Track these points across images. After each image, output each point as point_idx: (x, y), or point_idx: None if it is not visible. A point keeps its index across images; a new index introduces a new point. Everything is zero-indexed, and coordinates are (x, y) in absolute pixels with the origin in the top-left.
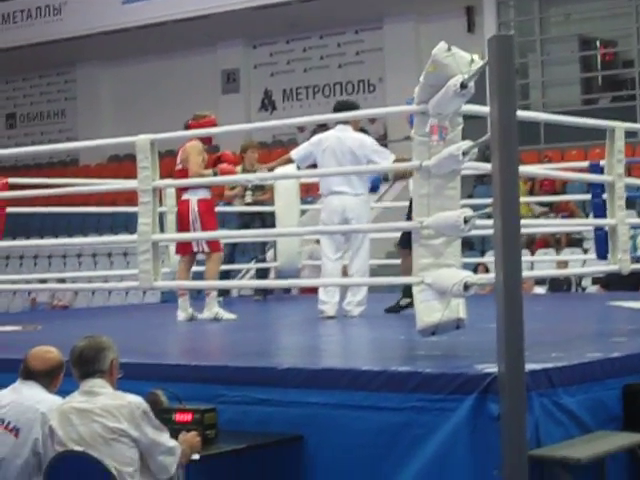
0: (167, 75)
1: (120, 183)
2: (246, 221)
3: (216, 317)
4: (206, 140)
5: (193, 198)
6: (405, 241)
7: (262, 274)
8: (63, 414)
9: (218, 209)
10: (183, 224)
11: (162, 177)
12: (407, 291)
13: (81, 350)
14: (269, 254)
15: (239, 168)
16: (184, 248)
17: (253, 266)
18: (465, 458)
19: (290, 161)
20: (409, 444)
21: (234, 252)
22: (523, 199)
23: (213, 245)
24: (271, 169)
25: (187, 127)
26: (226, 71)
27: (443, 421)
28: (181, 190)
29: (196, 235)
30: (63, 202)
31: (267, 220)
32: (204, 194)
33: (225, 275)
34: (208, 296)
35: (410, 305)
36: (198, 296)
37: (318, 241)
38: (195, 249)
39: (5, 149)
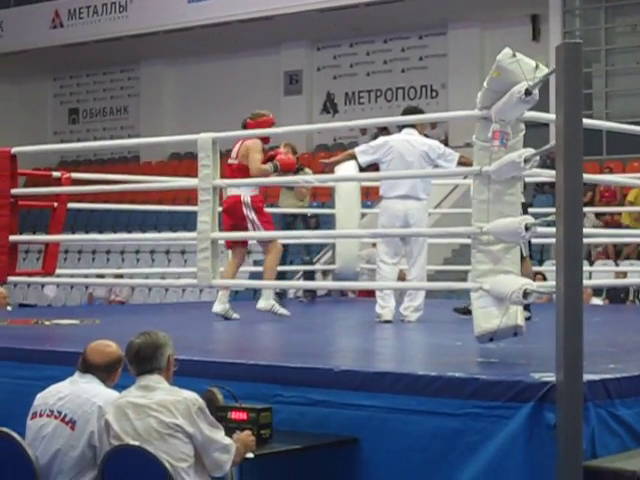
0: (230, 75)
1: (181, 181)
2: (289, 222)
3: (272, 309)
4: (264, 139)
5: (245, 194)
6: None
7: (309, 276)
8: (119, 408)
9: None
10: (235, 217)
11: (223, 177)
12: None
13: (138, 348)
14: (327, 256)
15: (271, 165)
16: (233, 242)
17: (305, 267)
18: (520, 467)
19: (353, 157)
20: (464, 450)
21: (286, 254)
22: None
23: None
24: (334, 163)
25: (244, 125)
26: (289, 72)
27: (499, 428)
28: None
29: (255, 234)
30: (123, 199)
31: (309, 221)
32: (254, 191)
33: (281, 277)
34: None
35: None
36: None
37: (374, 245)
38: (253, 227)
39: (67, 144)
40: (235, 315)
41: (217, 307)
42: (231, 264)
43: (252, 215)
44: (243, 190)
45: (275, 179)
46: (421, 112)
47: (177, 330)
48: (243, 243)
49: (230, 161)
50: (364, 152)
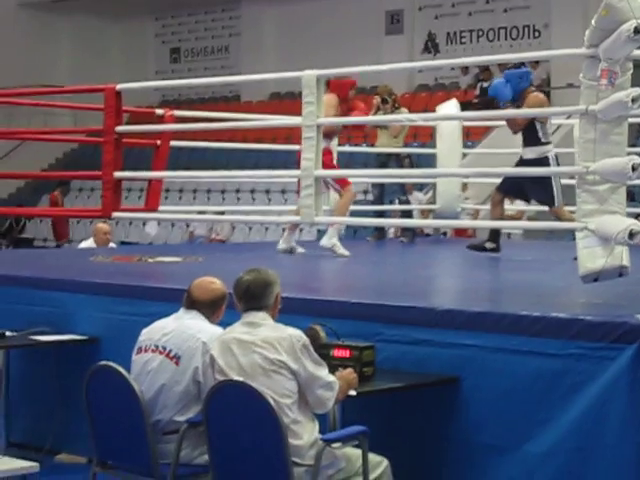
0: (331, 14)
1: (285, 119)
2: (382, 161)
3: (332, 248)
4: (342, 95)
5: None
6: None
7: (406, 215)
8: (224, 344)
9: (361, 149)
10: None
11: None
12: (493, 235)
13: (248, 284)
14: (428, 196)
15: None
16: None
17: (405, 207)
18: (622, 408)
19: None
20: (566, 391)
21: (383, 193)
22: None
23: (343, 182)
24: None
25: (327, 83)
26: (390, 12)
27: (602, 370)
28: None
29: (355, 172)
30: (222, 138)
31: (403, 161)
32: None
33: (378, 216)
34: (332, 226)
35: (494, 250)
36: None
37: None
38: (329, 187)
39: (170, 81)
40: (342, 251)
41: (325, 241)
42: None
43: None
44: None
45: (378, 118)
46: None
47: (279, 268)
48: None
49: None
50: None
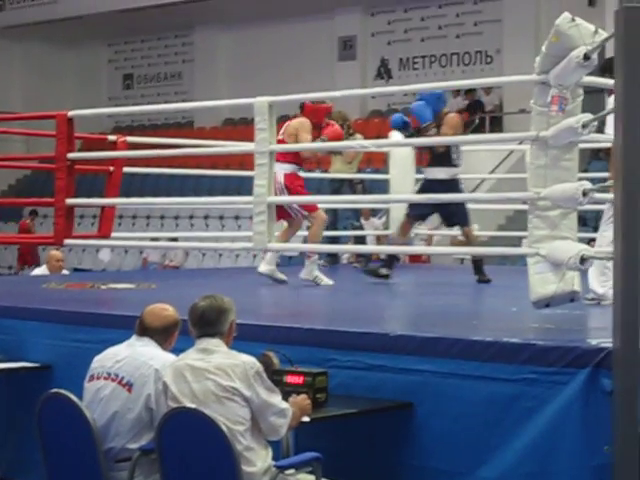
0: (284, 40)
1: (237, 145)
2: (336, 187)
3: (314, 280)
4: (316, 120)
5: (279, 172)
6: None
7: (360, 241)
8: (177, 370)
9: (315, 175)
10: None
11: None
12: (389, 261)
13: (203, 311)
14: (382, 220)
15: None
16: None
17: (352, 233)
18: (576, 433)
19: None
20: (519, 416)
21: (336, 219)
22: None
23: (310, 208)
24: None
25: (302, 107)
26: (343, 38)
27: (555, 394)
28: None
29: (314, 198)
30: (175, 164)
31: (356, 187)
32: (291, 169)
33: (331, 242)
34: (309, 259)
35: (387, 277)
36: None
37: None
38: (294, 215)
39: (123, 107)
40: (281, 276)
41: (263, 267)
42: (286, 231)
43: (284, 195)
44: (278, 168)
45: (331, 144)
46: None
47: (232, 294)
48: (286, 216)
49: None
50: None
